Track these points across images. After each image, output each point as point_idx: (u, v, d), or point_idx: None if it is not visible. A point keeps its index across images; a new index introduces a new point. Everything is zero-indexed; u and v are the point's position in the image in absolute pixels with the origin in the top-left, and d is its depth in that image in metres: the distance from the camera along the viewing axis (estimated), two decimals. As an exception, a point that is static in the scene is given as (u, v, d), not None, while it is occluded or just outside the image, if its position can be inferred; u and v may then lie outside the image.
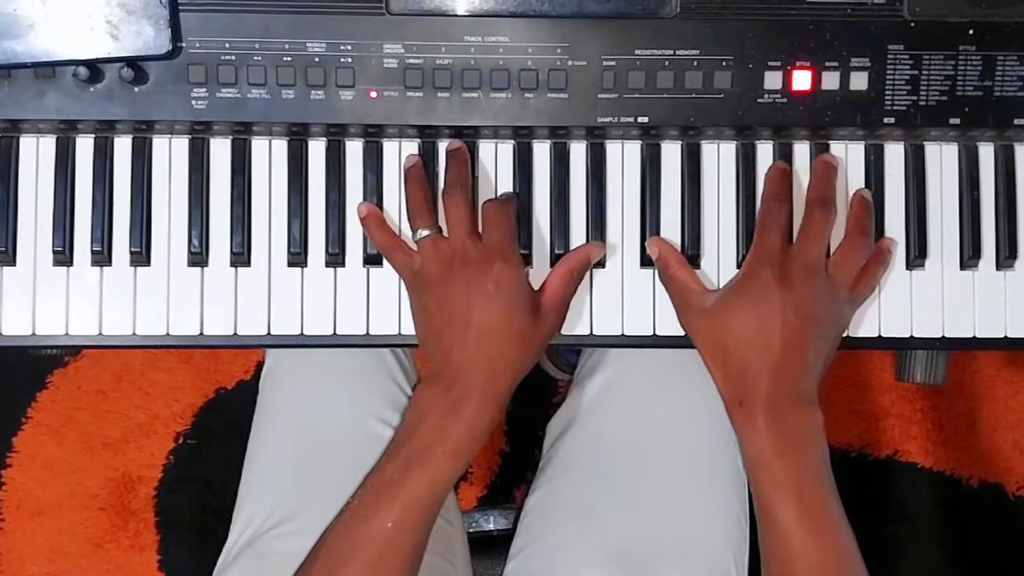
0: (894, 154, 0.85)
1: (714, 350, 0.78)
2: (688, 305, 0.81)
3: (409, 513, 0.75)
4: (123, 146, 0.82)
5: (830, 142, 0.84)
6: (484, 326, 0.76)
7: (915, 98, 0.81)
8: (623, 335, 0.84)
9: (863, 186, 0.84)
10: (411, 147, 0.83)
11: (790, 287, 0.77)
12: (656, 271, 0.83)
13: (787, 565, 0.74)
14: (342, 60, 0.79)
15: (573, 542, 0.90)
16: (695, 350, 0.81)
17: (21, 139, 0.81)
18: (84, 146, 0.82)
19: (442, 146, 0.83)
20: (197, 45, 0.78)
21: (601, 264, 0.84)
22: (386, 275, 0.83)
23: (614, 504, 0.91)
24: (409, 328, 0.83)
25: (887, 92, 0.81)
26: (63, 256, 0.81)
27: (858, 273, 0.81)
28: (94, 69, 0.77)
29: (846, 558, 0.74)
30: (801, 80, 0.80)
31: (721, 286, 0.82)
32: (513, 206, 0.82)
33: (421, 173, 0.82)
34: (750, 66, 0.80)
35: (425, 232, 0.79)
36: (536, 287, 0.81)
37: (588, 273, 0.83)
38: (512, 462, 1.54)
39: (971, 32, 0.80)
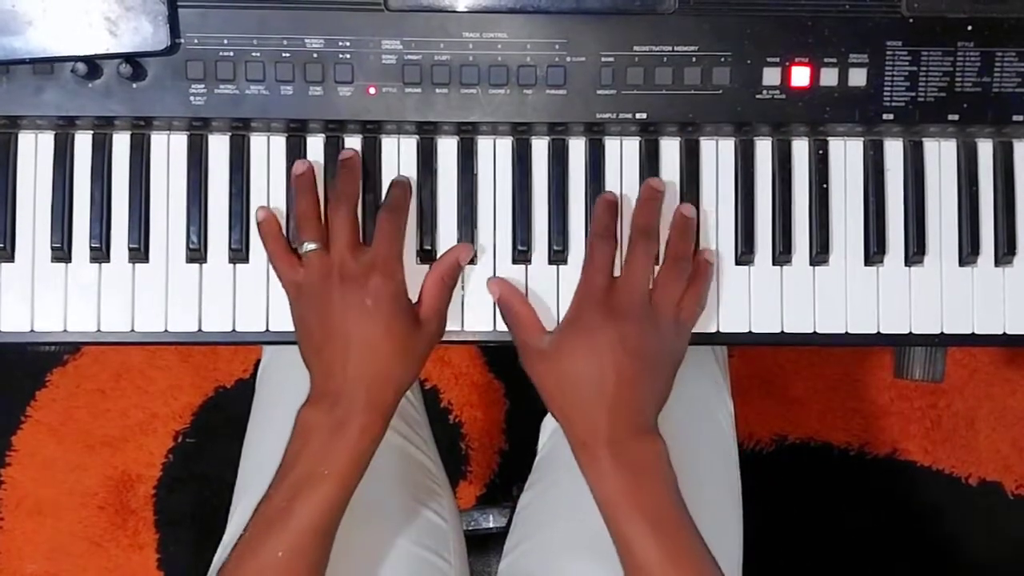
0: (893, 150, 0.85)
1: (553, 393, 0.77)
2: (528, 347, 0.79)
3: (300, 540, 0.73)
4: (121, 142, 0.82)
5: (829, 138, 0.84)
6: (364, 343, 0.75)
7: (914, 94, 0.81)
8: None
9: (862, 183, 0.84)
10: (410, 143, 0.83)
11: (617, 323, 0.76)
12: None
13: None
14: (340, 56, 0.79)
15: (566, 538, 0.90)
16: (688, 349, 0.80)
17: (19, 135, 0.81)
18: (82, 142, 0.82)
19: (439, 142, 0.83)
20: (195, 41, 0.78)
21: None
22: (385, 272, 0.83)
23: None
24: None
25: (886, 88, 0.81)
26: (61, 252, 0.81)
27: (681, 296, 0.79)
28: (92, 65, 0.77)
29: None
30: (800, 76, 0.80)
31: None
32: (403, 215, 0.80)
33: (311, 182, 0.80)
34: (748, 62, 0.80)
35: (312, 245, 0.78)
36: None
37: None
38: (511, 461, 1.53)
39: (969, 28, 0.80)
